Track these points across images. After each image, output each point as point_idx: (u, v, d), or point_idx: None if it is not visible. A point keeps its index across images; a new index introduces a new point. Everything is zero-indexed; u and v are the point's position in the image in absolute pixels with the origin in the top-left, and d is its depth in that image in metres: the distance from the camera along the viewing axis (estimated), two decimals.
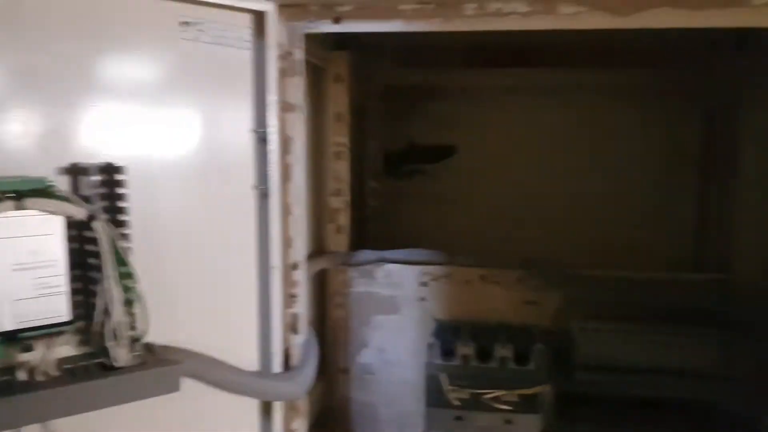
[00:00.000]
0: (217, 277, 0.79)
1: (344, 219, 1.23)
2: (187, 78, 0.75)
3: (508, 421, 0.96)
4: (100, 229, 0.63)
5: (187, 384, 0.73)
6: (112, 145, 0.69)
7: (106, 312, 0.65)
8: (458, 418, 0.97)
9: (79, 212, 0.62)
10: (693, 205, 1.31)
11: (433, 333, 1.13)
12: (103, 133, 0.69)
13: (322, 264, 1.19)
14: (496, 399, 0.99)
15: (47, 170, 0.64)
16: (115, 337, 0.65)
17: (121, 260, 0.64)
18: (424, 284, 1.20)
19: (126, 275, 0.65)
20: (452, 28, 0.80)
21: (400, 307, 1.21)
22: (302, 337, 0.90)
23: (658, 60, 1.23)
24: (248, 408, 0.84)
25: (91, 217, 0.62)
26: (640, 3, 0.71)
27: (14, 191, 0.60)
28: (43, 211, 0.61)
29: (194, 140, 0.77)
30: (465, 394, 1.00)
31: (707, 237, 1.27)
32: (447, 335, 1.10)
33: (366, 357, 1.22)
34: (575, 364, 1.08)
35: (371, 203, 1.45)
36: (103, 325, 0.65)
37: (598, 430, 1.06)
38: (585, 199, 1.35)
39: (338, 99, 1.20)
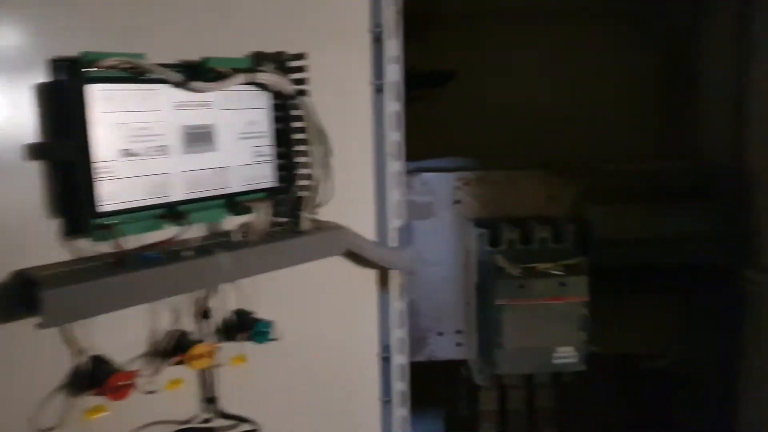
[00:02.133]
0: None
1: None
2: None
3: (563, 284, 1.15)
4: (306, 103, 0.72)
5: None
6: None
7: (302, 180, 0.74)
8: (521, 286, 1.14)
9: (289, 88, 0.71)
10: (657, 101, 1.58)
11: (476, 227, 1.29)
12: None
13: None
14: (546, 269, 1.17)
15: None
16: (306, 203, 0.75)
17: (319, 133, 0.74)
18: (458, 188, 1.35)
19: (322, 147, 0.74)
20: None
21: (435, 212, 1.36)
22: (401, 221, 1.02)
23: None
24: (368, 276, 0.96)
25: (300, 92, 0.72)
26: None
27: (234, 68, 0.68)
28: (259, 84, 0.70)
29: None
30: (519, 268, 1.17)
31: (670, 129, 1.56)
32: (488, 228, 1.26)
33: None
34: (595, 242, 1.28)
35: None
36: (295, 192, 0.75)
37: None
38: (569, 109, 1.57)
39: None
